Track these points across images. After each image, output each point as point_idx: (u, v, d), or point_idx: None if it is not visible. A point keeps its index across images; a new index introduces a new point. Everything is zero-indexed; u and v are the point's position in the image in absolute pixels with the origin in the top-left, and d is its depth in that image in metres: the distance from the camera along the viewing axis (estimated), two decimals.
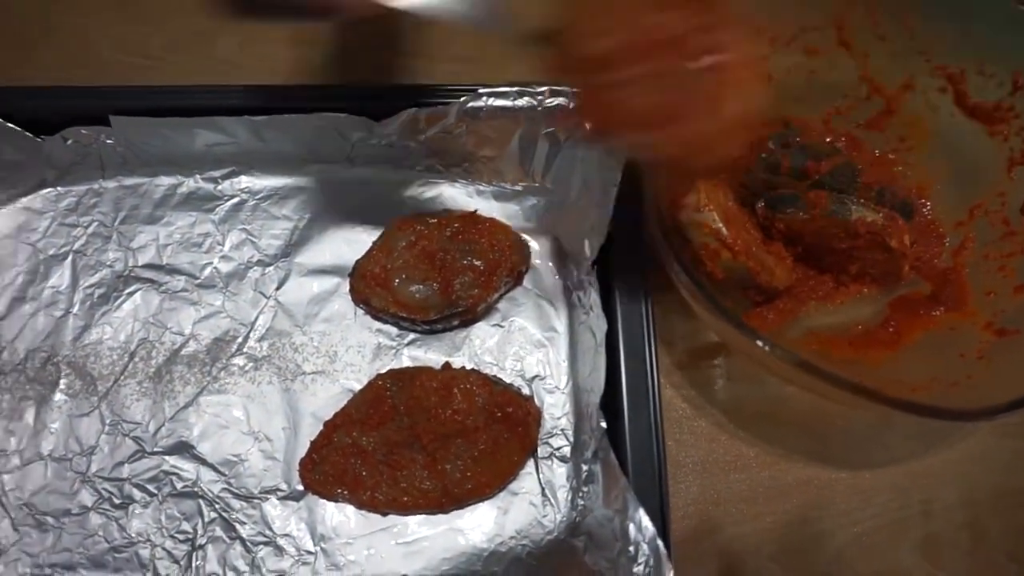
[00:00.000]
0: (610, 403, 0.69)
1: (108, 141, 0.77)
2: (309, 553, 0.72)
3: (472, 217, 0.78)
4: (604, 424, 0.68)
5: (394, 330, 0.79)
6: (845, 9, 0.72)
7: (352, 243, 0.81)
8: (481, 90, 0.74)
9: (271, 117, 0.75)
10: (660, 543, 0.63)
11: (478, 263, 0.76)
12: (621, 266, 0.71)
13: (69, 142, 0.76)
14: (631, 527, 0.64)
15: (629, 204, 0.73)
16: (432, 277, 0.76)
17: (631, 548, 0.64)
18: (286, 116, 0.75)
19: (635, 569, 0.63)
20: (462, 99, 0.74)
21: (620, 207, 0.72)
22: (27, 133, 0.75)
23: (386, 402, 0.73)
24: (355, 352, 0.78)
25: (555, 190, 0.80)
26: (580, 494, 0.73)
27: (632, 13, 0.47)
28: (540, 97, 0.75)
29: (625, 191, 0.72)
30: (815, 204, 0.71)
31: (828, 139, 0.79)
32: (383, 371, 0.76)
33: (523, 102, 0.75)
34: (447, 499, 0.71)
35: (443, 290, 0.75)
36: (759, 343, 0.60)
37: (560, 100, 0.75)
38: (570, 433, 0.76)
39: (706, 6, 0.46)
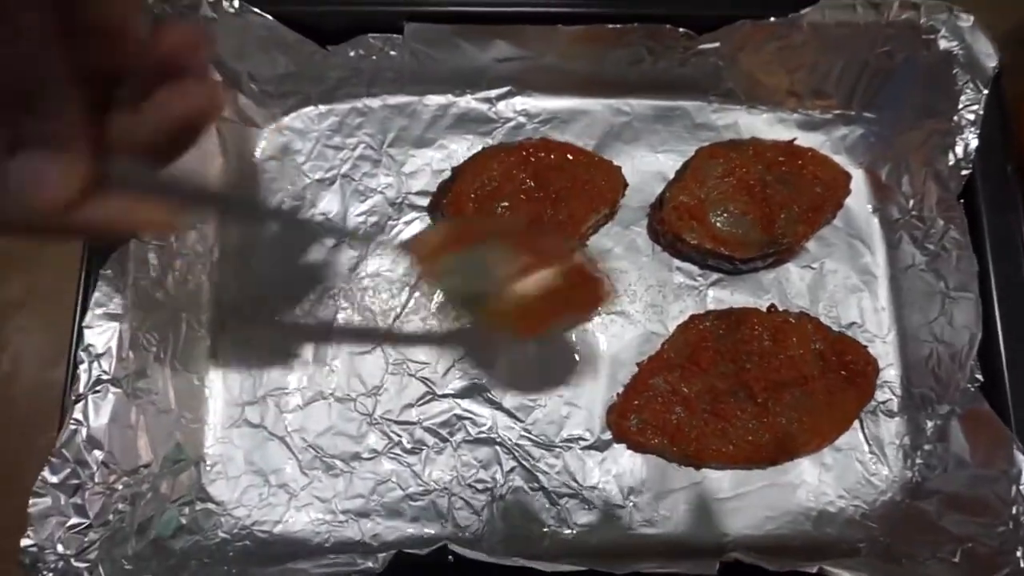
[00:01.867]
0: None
1: (391, 53, 0.69)
2: (619, 507, 0.66)
3: (790, 147, 0.70)
4: (980, 376, 0.61)
5: (695, 269, 0.72)
6: None
7: (644, 173, 0.73)
8: (823, 1, 0.66)
9: (582, 28, 0.67)
10: None
11: (802, 197, 0.68)
12: (990, 201, 0.63)
13: (352, 53, 0.69)
14: None
15: (990, 133, 0.65)
16: (752, 211, 0.68)
17: None
18: (598, 27, 0.67)
19: None
20: (803, 11, 0.66)
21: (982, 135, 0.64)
22: (313, 42, 0.67)
23: (709, 346, 0.66)
24: (656, 292, 0.71)
25: (878, 119, 0.72)
26: (919, 452, 0.66)
27: None
28: (888, 12, 0.66)
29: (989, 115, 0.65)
30: None
31: None
32: (688, 313, 0.69)
33: (866, 17, 0.66)
34: (781, 453, 0.65)
35: (765, 225, 0.68)
36: None
37: (909, 14, 0.66)
38: (897, 386, 0.69)
39: None
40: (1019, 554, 0.56)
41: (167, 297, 0.64)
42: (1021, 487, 0.57)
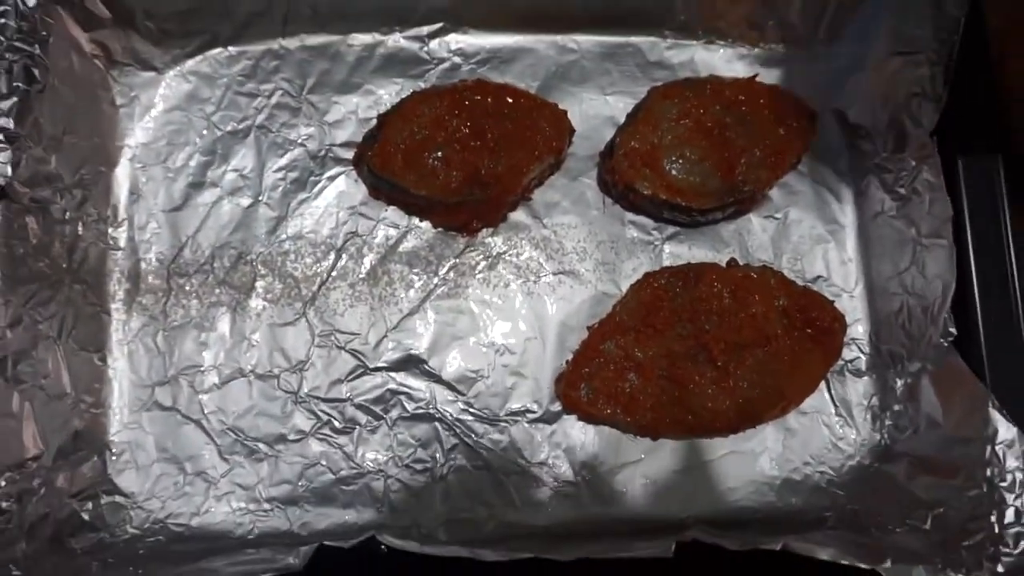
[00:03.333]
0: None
1: None
2: (570, 484, 0.61)
3: (751, 84, 0.64)
4: (954, 330, 0.57)
5: (650, 222, 0.66)
6: None
7: (593, 118, 0.66)
8: None
9: None
10: None
11: (764, 140, 0.62)
12: (967, 137, 0.58)
13: None
14: (1005, 453, 0.53)
15: (969, 62, 0.59)
16: (710, 156, 0.62)
17: (1007, 476, 0.53)
18: None
19: (1014, 502, 0.53)
20: None
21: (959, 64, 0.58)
22: None
23: (664, 306, 0.60)
24: (607, 248, 0.65)
25: (846, 51, 0.66)
26: (888, 413, 0.62)
27: None
28: None
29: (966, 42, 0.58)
30: None
31: None
32: (643, 271, 0.64)
33: None
34: (743, 420, 0.60)
35: (724, 172, 0.62)
36: None
37: None
38: (864, 344, 0.64)
39: None
40: (993, 518, 0.52)
41: (53, 267, 0.57)
42: (996, 447, 0.53)
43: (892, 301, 0.62)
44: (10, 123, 0.53)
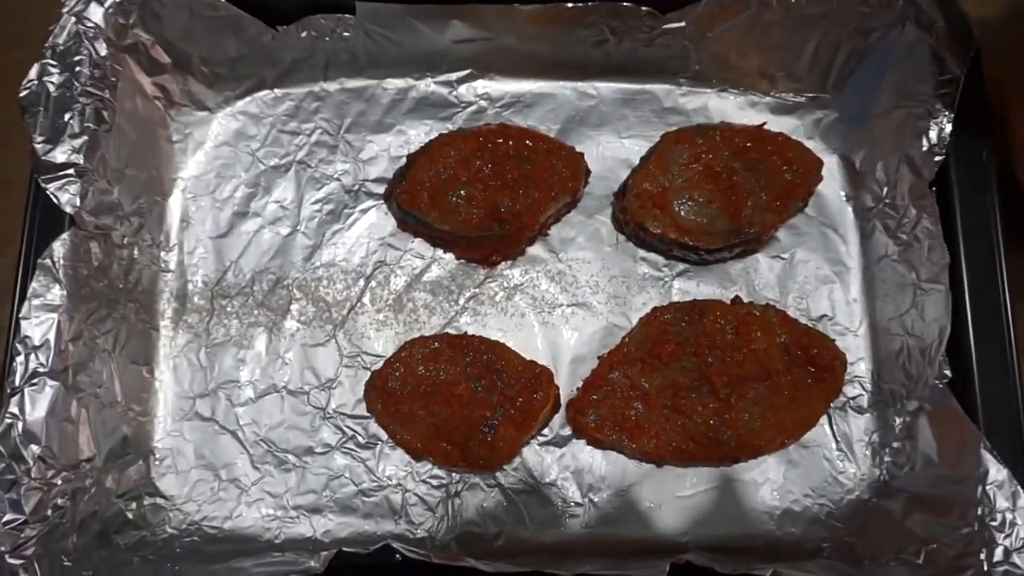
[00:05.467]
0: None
1: (344, 34, 0.67)
2: (577, 505, 0.64)
3: (760, 132, 0.67)
4: (949, 372, 0.59)
5: (660, 260, 0.69)
6: None
7: (609, 160, 0.71)
8: None
9: (541, 7, 0.64)
10: None
11: (770, 185, 0.66)
12: (964, 189, 0.61)
13: (304, 34, 0.66)
14: (995, 493, 0.55)
15: (967, 118, 0.62)
16: (718, 199, 0.66)
17: (997, 516, 0.55)
18: (557, 6, 0.64)
19: (1003, 541, 0.54)
20: None
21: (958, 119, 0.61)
22: (261, 22, 0.65)
23: (670, 339, 0.64)
24: (619, 283, 0.69)
25: (852, 102, 0.69)
26: (887, 450, 0.64)
27: None
28: None
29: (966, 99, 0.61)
30: None
31: None
32: (651, 306, 0.67)
33: None
34: (742, 450, 0.63)
35: (731, 214, 0.65)
36: None
37: None
38: (867, 381, 0.66)
39: None
40: (982, 556, 0.54)
41: (110, 288, 0.62)
42: (987, 487, 0.55)
43: (893, 341, 0.65)
44: (80, 159, 0.60)
